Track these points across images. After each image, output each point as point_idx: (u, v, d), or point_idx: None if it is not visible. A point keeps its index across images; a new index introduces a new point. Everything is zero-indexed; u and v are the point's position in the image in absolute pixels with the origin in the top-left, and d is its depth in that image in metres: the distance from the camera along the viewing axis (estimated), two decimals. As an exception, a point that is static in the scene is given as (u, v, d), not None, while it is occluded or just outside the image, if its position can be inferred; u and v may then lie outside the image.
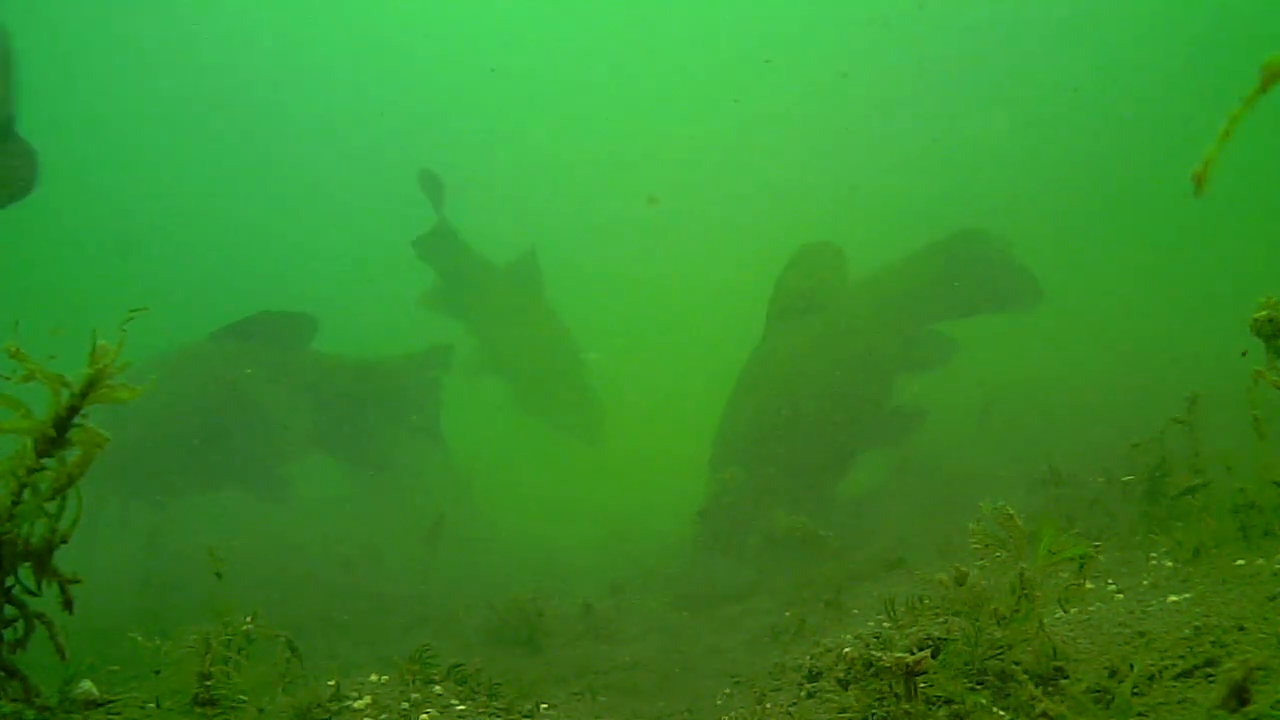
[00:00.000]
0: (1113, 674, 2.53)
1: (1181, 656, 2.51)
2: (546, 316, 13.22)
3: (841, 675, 2.96)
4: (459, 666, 3.75)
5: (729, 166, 28.67)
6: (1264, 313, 2.95)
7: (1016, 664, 2.67)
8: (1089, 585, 3.24)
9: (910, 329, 8.70)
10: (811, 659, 3.24)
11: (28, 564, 2.08)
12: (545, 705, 3.74)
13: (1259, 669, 1.92)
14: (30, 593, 2.11)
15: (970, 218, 9.50)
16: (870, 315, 8.63)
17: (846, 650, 3.01)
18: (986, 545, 2.88)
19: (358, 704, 3.26)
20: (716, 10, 31.48)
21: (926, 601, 3.48)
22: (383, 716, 3.20)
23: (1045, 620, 2.72)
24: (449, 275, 12.85)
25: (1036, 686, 2.45)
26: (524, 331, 12.97)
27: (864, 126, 27.26)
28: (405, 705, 3.33)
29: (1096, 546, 3.96)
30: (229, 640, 2.95)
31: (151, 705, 2.71)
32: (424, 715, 3.26)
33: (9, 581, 2.07)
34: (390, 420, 10.60)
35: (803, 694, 3.05)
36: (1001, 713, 2.49)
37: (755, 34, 30.01)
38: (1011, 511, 2.90)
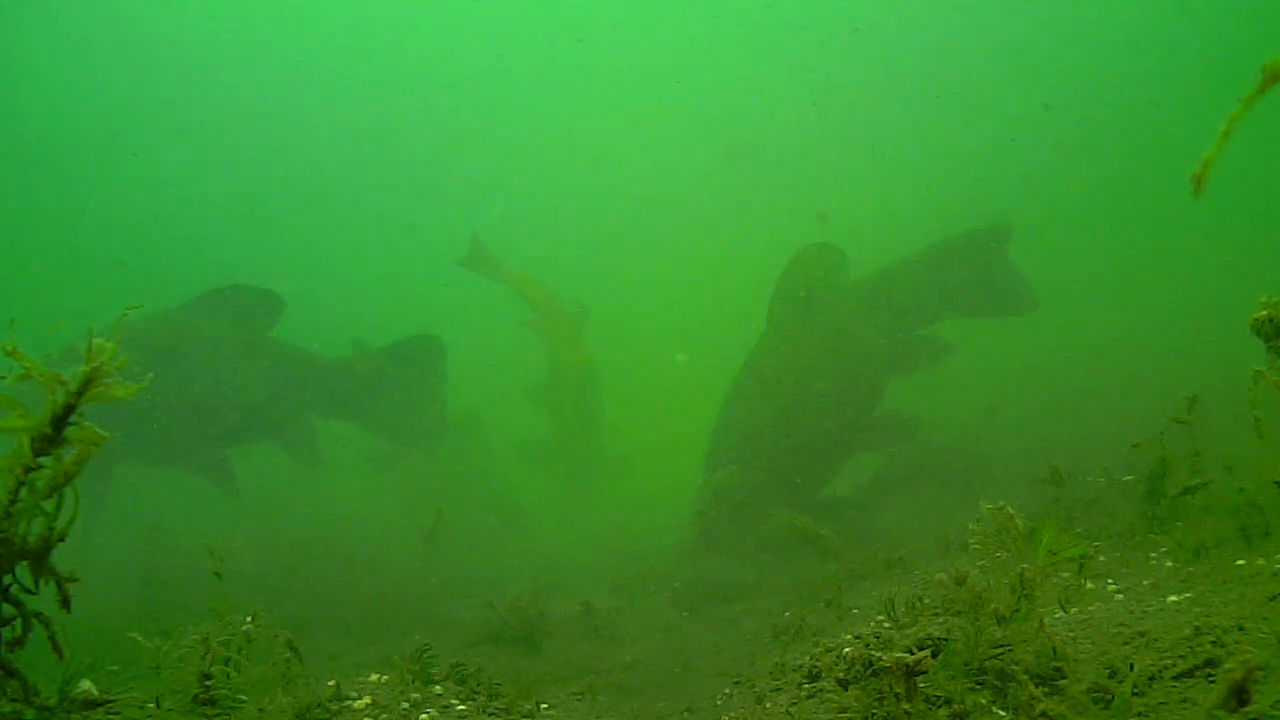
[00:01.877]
0: (1113, 674, 2.52)
1: (1181, 656, 2.51)
2: (580, 385, 13.71)
3: (841, 675, 2.96)
4: (459, 666, 3.75)
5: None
6: (1264, 313, 2.96)
7: (1016, 664, 2.67)
8: (1089, 585, 3.25)
9: (904, 332, 8.74)
10: (811, 659, 3.23)
11: (25, 562, 2.07)
12: (545, 705, 3.74)
13: (1259, 669, 1.91)
14: (28, 591, 2.11)
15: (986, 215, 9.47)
16: (866, 317, 8.65)
17: (846, 650, 3.01)
18: (986, 545, 2.88)
19: (358, 704, 3.26)
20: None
21: (926, 601, 3.48)
22: (383, 716, 3.20)
23: (1045, 620, 2.71)
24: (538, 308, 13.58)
25: (1036, 686, 2.45)
26: (559, 386, 13.67)
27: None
28: (405, 705, 3.33)
29: (1096, 546, 3.96)
30: (229, 640, 2.95)
31: (151, 705, 2.71)
32: (424, 715, 3.26)
33: (6, 580, 2.07)
34: (348, 418, 10.17)
35: (803, 694, 3.05)
36: (1001, 713, 2.49)
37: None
38: (1011, 511, 2.90)
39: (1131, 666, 2.47)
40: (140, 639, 2.85)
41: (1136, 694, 2.36)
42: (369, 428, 10.37)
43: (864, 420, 8.43)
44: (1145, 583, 3.55)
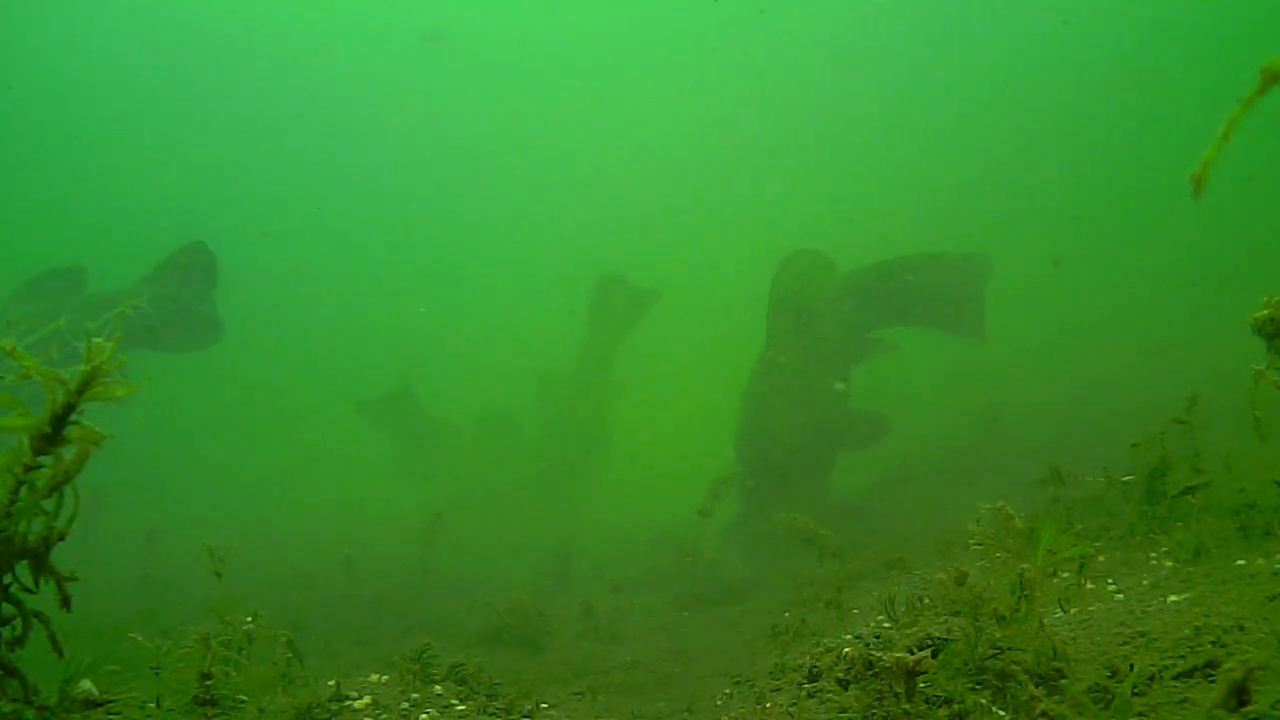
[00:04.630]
0: (1113, 674, 2.52)
1: (1181, 656, 2.50)
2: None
3: (841, 675, 2.96)
4: (459, 666, 3.75)
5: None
6: (1265, 312, 2.95)
7: (1016, 664, 2.67)
8: (1089, 585, 3.25)
9: (864, 331, 8.94)
10: (811, 659, 3.23)
11: (25, 561, 2.07)
12: (545, 705, 3.74)
13: (1259, 669, 1.91)
14: (28, 590, 2.10)
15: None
16: (843, 316, 8.81)
17: (846, 650, 3.01)
18: (986, 545, 2.88)
19: (358, 704, 3.26)
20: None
21: (926, 601, 3.48)
22: (383, 716, 3.20)
23: (1045, 620, 2.71)
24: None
25: (1036, 686, 2.45)
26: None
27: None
28: (405, 705, 3.33)
29: (1096, 546, 3.96)
30: (229, 640, 2.95)
31: (151, 705, 2.71)
32: (424, 715, 3.26)
33: (6, 579, 2.07)
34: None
35: (803, 694, 3.05)
36: (1001, 713, 2.49)
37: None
38: (1011, 511, 2.90)
39: (1131, 666, 2.47)
40: (140, 639, 2.85)
41: (1136, 694, 2.35)
42: (163, 349, 10.74)
43: (844, 417, 8.58)
44: (1145, 583, 3.54)
